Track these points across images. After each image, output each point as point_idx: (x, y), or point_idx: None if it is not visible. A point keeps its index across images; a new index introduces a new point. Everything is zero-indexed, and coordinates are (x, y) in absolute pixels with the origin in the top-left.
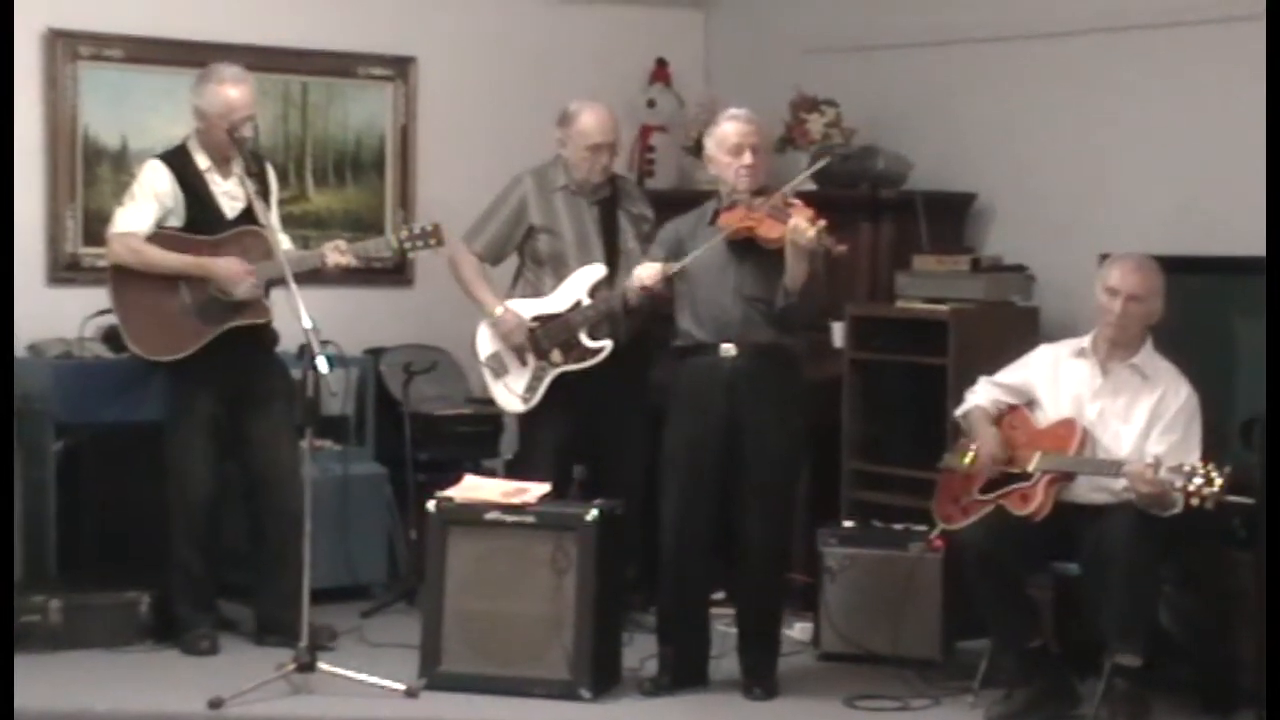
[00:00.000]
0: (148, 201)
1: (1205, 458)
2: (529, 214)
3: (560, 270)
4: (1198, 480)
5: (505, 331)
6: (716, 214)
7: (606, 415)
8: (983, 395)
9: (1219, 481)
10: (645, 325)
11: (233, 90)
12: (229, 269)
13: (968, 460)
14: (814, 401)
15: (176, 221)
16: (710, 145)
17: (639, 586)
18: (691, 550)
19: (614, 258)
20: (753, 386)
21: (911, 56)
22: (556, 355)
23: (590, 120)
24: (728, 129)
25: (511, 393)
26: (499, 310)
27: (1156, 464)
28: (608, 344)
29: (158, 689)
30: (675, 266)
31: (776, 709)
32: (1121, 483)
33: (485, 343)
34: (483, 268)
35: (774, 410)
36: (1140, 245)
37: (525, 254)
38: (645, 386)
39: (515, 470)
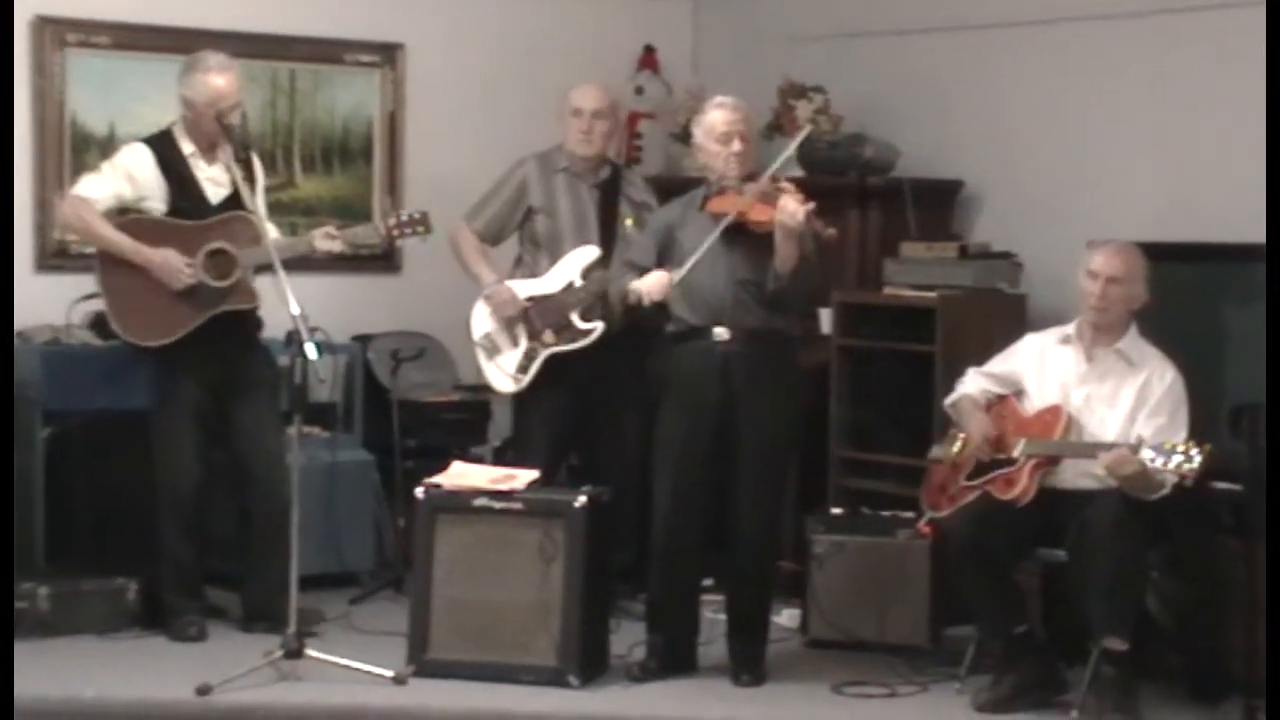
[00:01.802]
0: (115, 178)
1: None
2: (529, 195)
3: (556, 253)
4: (1177, 458)
5: (499, 304)
6: (706, 199)
7: (604, 402)
8: (971, 385)
9: (1198, 458)
10: (643, 312)
11: (218, 78)
12: (165, 262)
13: (957, 449)
14: (803, 388)
15: (160, 206)
16: (698, 133)
17: (628, 574)
18: (682, 537)
19: (610, 241)
20: (746, 371)
21: (899, 44)
22: (549, 335)
23: (576, 89)
24: (716, 117)
25: (503, 372)
26: (494, 283)
27: (1137, 445)
28: (599, 325)
29: (146, 676)
30: (680, 274)
31: (764, 696)
32: None
33: (480, 321)
34: (483, 247)
35: (768, 395)
36: (1128, 233)
37: (524, 237)
38: (643, 374)
39: (509, 455)
